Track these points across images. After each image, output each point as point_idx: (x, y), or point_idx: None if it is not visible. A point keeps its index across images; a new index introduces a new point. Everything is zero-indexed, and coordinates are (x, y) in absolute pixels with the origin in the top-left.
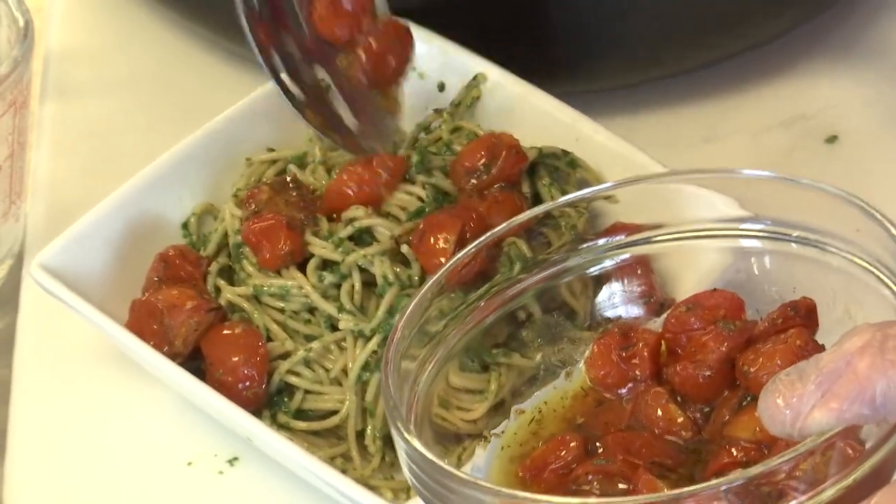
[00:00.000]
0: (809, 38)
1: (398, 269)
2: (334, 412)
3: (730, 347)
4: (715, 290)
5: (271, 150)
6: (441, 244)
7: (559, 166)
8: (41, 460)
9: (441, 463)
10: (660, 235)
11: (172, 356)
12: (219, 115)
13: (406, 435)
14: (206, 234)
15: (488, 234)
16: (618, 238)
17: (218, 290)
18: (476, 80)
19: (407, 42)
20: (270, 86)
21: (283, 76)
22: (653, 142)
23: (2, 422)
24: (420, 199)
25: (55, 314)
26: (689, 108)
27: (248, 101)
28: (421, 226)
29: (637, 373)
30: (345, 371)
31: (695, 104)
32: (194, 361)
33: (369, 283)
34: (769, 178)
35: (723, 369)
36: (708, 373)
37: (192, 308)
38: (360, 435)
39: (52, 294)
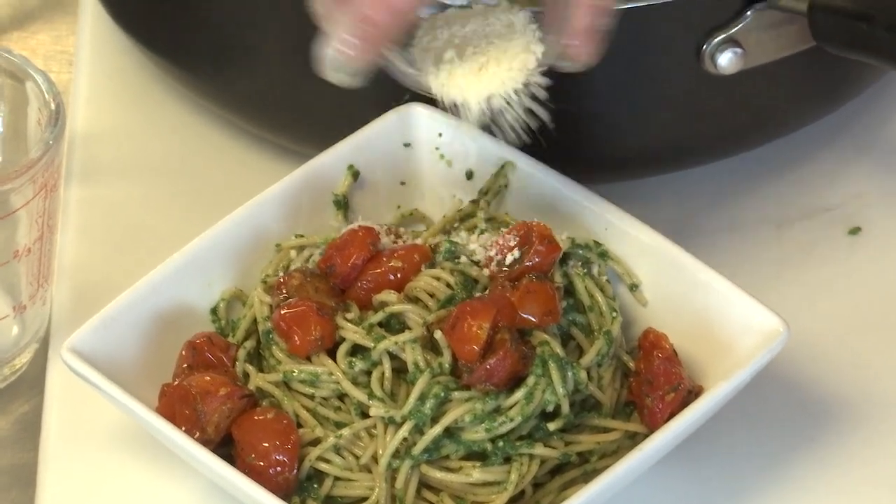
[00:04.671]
0: (832, 129)
1: (429, 356)
2: (364, 499)
3: None
4: None
5: (300, 236)
6: (475, 331)
7: (590, 258)
8: None
9: None
10: None
11: (204, 442)
12: (247, 202)
13: None
14: (235, 319)
15: None
16: None
17: (246, 375)
18: (504, 169)
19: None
20: (297, 173)
21: None
22: (677, 230)
23: None
24: (448, 285)
25: (82, 398)
26: (713, 198)
27: (277, 187)
28: (454, 313)
29: None
30: (375, 458)
31: (718, 193)
32: (223, 447)
33: (399, 369)
34: None
35: None
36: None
37: (226, 394)
38: None
39: (84, 378)
